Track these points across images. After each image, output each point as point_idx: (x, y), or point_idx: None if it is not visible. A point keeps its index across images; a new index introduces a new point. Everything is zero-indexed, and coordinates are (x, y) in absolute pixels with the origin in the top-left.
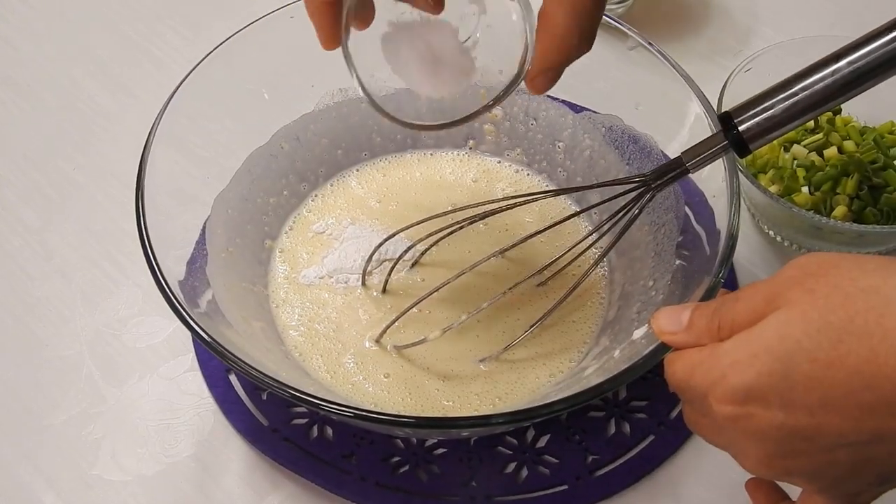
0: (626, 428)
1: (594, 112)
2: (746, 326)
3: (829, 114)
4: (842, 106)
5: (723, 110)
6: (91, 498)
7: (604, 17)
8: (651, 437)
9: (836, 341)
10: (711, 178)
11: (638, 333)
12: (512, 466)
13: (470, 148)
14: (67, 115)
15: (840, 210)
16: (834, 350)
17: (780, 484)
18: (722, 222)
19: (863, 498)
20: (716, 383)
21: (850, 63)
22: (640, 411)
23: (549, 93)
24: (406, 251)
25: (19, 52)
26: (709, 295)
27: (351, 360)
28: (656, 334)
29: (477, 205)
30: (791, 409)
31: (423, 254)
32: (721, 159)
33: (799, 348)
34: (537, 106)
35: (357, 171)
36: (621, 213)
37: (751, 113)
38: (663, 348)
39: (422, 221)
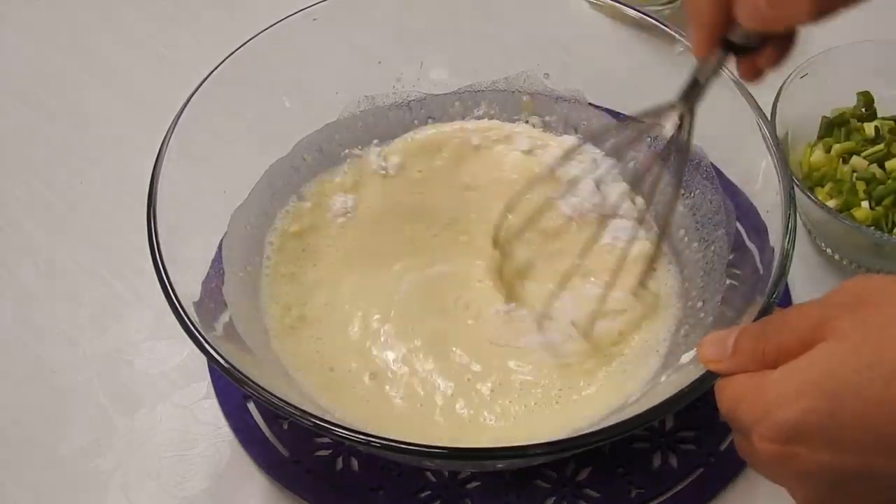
0: (673, 460)
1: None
2: (794, 354)
3: (892, 123)
4: None
5: (777, 118)
6: None
7: (649, 19)
8: (700, 471)
9: (889, 378)
10: (765, 193)
11: (685, 358)
12: (551, 501)
13: None
14: (74, 124)
15: None
16: (886, 389)
17: None
18: (776, 239)
19: None
20: (759, 420)
21: None
22: (689, 442)
23: (590, 101)
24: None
25: (22, 56)
26: (761, 317)
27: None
28: (702, 363)
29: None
30: (839, 449)
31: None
32: (776, 171)
33: (848, 385)
34: (578, 115)
35: None
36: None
37: None
38: (712, 375)
39: None
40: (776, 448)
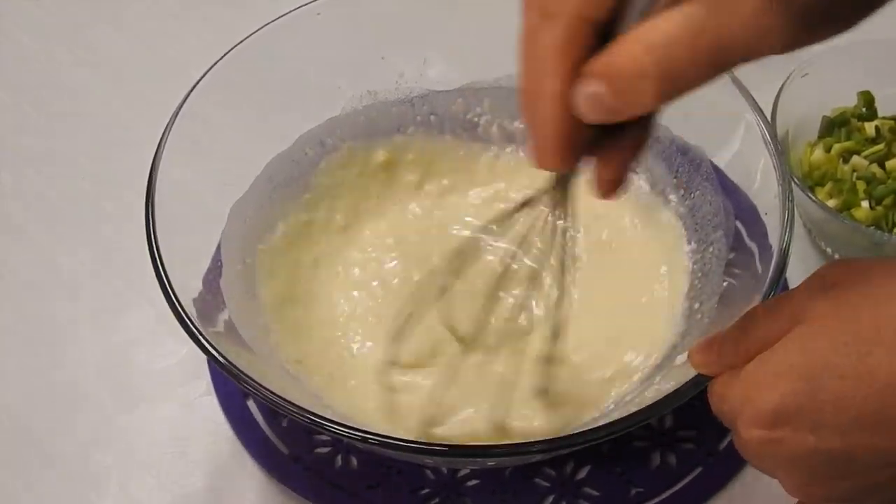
0: (672, 459)
1: None
2: (773, 343)
3: (893, 123)
4: None
5: (777, 117)
6: None
7: None
8: (699, 469)
9: (865, 354)
10: (763, 193)
11: (681, 359)
12: (550, 499)
13: None
14: (75, 120)
15: None
16: (862, 364)
17: None
18: (775, 239)
19: None
20: (741, 410)
21: None
22: (688, 441)
23: None
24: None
25: (24, 52)
26: None
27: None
28: (694, 368)
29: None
30: (822, 431)
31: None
32: (775, 171)
33: (825, 364)
34: None
35: None
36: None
37: None
38: (706, 376)
39: None
40: (760, 434)
